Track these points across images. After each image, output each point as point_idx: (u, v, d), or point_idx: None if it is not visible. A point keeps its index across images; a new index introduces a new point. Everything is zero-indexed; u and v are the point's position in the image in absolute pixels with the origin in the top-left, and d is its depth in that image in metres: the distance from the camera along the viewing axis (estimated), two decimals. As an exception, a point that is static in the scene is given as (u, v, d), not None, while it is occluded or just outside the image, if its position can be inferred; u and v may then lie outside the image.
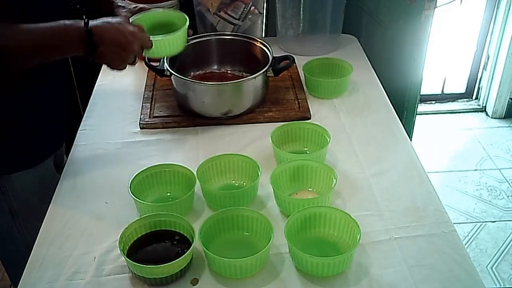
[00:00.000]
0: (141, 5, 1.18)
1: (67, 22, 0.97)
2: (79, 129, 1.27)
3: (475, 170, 2.50)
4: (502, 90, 2.76)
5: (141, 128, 1.26)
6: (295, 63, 1.34)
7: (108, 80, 1.47)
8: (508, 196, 2.34)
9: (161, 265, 0.83)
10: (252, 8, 1.51)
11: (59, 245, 0.95)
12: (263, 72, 1.25)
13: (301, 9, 1.51)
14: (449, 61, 2.89)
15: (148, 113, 1.29)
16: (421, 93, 1.59)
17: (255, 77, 1.23)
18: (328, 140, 1.11)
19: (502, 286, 1.93)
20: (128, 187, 0.99)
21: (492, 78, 2.80)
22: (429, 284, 0.86)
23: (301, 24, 1.55)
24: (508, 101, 2.79)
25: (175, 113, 1.30)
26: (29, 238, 1.03)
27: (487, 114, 2.88)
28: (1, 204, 1.20)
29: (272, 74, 1.28)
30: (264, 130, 1.20)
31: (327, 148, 1.10)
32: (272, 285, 0.86)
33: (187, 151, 1.19)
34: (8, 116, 1.12)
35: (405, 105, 1.54)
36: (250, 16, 1.52)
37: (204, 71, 1.43)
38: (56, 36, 0.97)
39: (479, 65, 2.85)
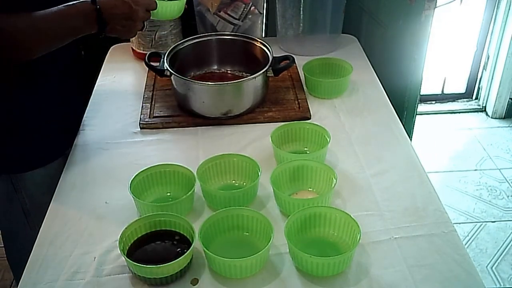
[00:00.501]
0: None
1: (75, 2, 0.99)
2: (79, 129, 1.27)
3: (475, 170, 2.50)
4: (502, 90, 2.76)
5: (141, 128, 1.26)
6: (295, 63, 1.34)
7: (108, 80, 1.47)
8: (508, 196, 2.34)
9: (161, 265, 0.83)
10: (252, 8, 1.51)
11: (59, 245, 0.95)
12: (263, 72, 1.25)
13: (301, 9, 1.51)
14: (449, 61, 2.89)
15: (148, 113, 1.29)
16: (421, 93, 1.60)
17: (255, 77, 1.23)
18: (328, 140, 1.11)
19: (502, 286, 1.93)
20: (128, 187, 0.99)
21: (492, 78, 2.80)
22: (429, 284, 0.86)
23: (301, 24, 1.55)
24: (508, 101, 2.79)
25: (175, 113, 1.30)
26: None
27: (487, 114, 2.88)
28: (14, 203, 1.20)
29: (272, 74, 1.28)
30: (264, 130, 1.20)
31: (327, 148, 1.10)
32: (272, 285, 0.86)
33: (187, 151, 1.18)
34: (19, 115, 1.13)
35: (405, 105, 1.54)
36: (250, 16, 1.52)
37: (204, 71, 1.43)
38: (69, 18, 0.99)
39: (479, 65, 2.85)
